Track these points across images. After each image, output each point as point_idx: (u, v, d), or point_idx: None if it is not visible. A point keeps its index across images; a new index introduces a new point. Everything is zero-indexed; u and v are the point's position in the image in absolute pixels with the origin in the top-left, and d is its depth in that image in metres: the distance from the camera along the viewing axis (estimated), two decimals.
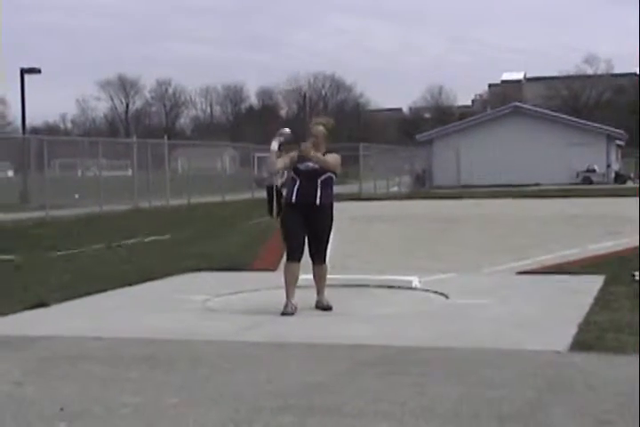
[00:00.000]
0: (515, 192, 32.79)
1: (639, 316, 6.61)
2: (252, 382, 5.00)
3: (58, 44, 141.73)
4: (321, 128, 7.50)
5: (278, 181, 26.42)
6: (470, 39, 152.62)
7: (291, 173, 7.63)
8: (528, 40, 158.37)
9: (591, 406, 4.37)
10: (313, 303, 7.68)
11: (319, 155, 7.38)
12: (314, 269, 7.70)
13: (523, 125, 48.29)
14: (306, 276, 8.16)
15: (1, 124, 75.45)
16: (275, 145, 7.58)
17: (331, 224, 7.63)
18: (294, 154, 7.54)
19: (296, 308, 7.36)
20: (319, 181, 7.45)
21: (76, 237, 15.96)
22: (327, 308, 7.61)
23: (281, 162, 7.62)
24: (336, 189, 7.79)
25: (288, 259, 7.51)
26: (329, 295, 7.77)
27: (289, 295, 7.38)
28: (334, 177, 7.59)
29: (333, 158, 7.51)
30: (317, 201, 7.44)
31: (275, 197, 20.63)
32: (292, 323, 7.01)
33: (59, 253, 12.86)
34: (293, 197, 7.52)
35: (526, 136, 47.61)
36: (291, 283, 7.42)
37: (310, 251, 7.64)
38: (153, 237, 15.22)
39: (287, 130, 7.78)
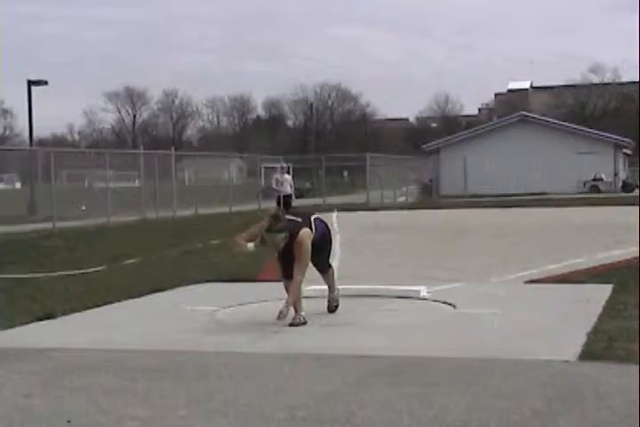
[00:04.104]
0: (522, 201, 32.76)
1: (639, 324, 6.60)
2: (260, 393, 4.99)
3: (65, 56, 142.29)
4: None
5: (288, 190, 26.56)
6: (476, 48, 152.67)
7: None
8: (534, 49, 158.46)
9: (600, 416, 4.35)
10: (322, 314, 7.77)
11: (293, 290, 7.31)
12: (322, 277, 7.98)
13: (529, 134, 48.27)
14: (313, 286, 8.19)
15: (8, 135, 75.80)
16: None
17: (329, 247, 7.89)
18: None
19: (305, 317, 7.41)
20: None
21: (84, 249, 15.97)
22: (332, 309, 7.91)
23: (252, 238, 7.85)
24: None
25: (283, 277, 7.68)
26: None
27: (297, 308, 7.41)
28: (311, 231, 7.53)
29: (300, 254, 7.36)
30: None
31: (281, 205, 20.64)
32: (300, 333, 7.00)
33: (66, 265, 12.85)
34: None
35: (533, 145, 47.61)
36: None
37: (314, 264, 7.79)
38: (160, 249, 15.21)
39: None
